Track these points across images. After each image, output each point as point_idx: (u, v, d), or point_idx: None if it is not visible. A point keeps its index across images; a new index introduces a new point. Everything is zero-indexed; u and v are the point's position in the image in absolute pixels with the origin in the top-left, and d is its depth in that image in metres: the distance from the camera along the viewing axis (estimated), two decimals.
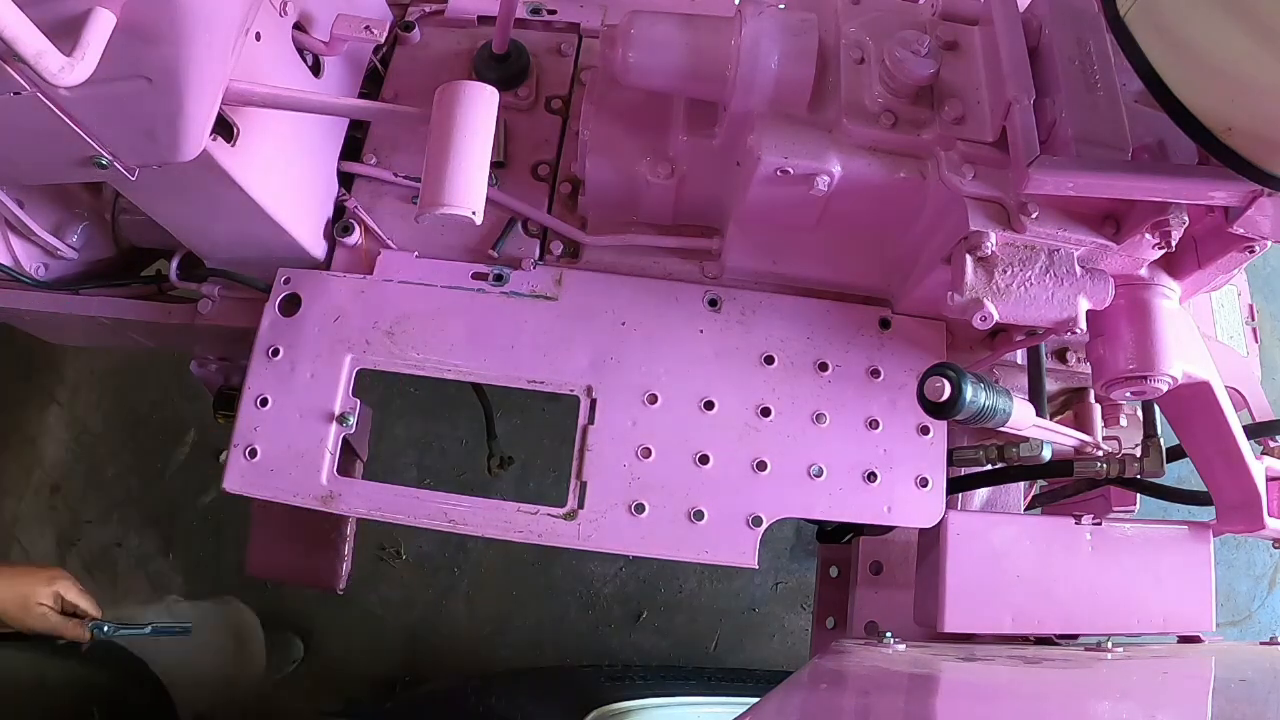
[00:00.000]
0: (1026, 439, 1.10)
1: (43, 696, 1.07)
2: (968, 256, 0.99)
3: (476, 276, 1.19)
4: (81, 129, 0.84)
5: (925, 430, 1.16)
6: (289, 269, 1.19)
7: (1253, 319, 1.42)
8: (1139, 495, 1.45)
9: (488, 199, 0.93)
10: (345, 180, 1.24)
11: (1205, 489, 1.19)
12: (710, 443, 1.13)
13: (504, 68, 1.27)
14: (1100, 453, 1.18)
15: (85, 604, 1.16)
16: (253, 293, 1.22)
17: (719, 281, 1.21)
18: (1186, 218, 0.95)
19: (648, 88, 1.07)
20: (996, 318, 0.97)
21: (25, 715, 1.03)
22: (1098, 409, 1.31)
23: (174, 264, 1.27)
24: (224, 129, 0.96)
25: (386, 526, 2.13)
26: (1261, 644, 1.23)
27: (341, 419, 1.13)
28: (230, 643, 1.53)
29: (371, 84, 1.30)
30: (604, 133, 1.13)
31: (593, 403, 1.14)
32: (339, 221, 1.21)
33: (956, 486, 1.22)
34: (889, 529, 1.32)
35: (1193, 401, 1.11)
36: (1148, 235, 0.97)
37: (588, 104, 1.14)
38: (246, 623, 1.65)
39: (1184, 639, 1.22)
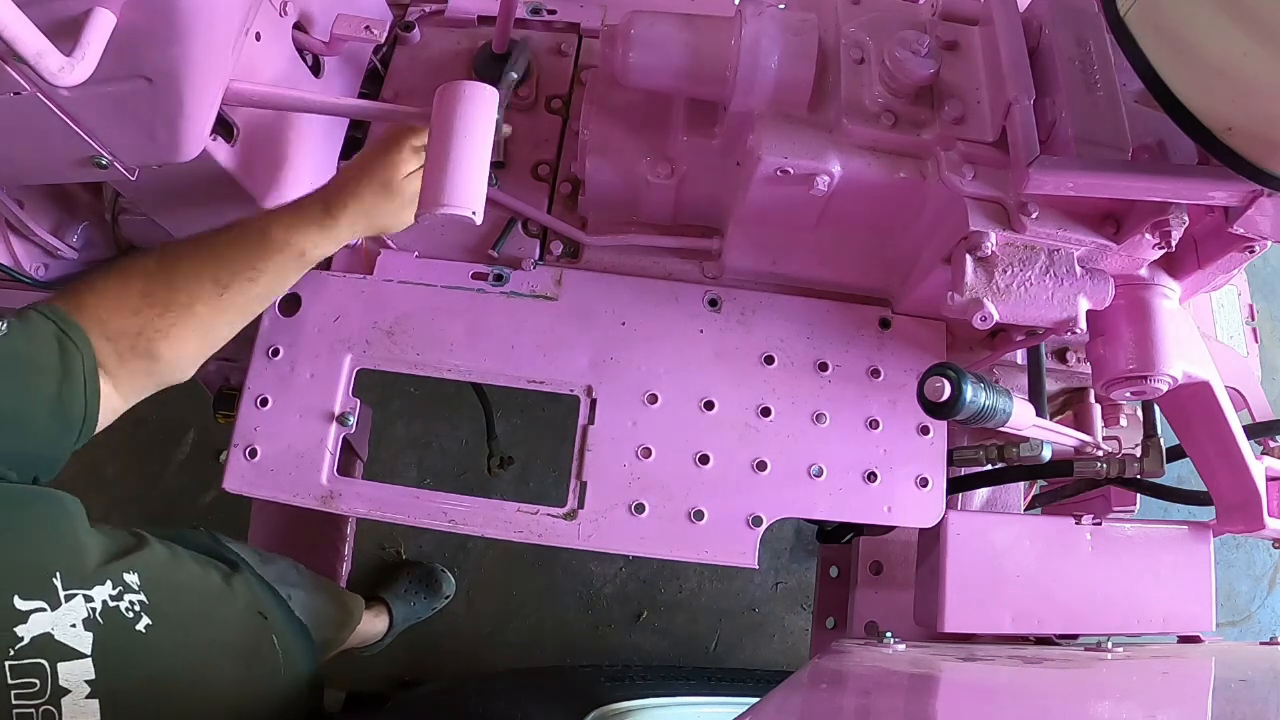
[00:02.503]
0: (1026, 439, 1.09)
1: (228, 600, 1.02)
2: (968, 256, 0.99)
3: (476, 276, 1.19)
4: (81, 129, 0.84)
5: (925, 430, 1.16)
6: None
7: (1253, 319, 1.42)
8: (1139, 495, 1.45)
9: (488, 199, 0.93)
10: None
11: (1205, 489, 1.19)
12: (710, 443, 1.13)
13: (504, 68, 1.27)
14: (1100, 453, 1.18)
15: None
16: None
17: (719, 281, 1.21)
18: (1186, 218, 0.95)
19: (648, 88, 1.07)
20: (996, 318, 0.97)
21: (222, 600, 1.00)
22: (1098, 409, 1.31)
23: None
24: (224, 129, 0.96)
25: (386, 526, 2.14)
26: (1261, 644, 1.23)
27: (341, 419, 1.13)
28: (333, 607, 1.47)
29: (371, 84, 1.30)
30: (604, 133, 1.13)
31: (593, 403, 1.14)
32: None
33: (956, 486, 1.22)
34: (889, 529, 1.33)
35: (1193, 401, 1.11)
36: (1148, 235, 0.97)
37: (588, 104, 1.14)
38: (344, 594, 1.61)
39: (1184, 639, 1.23)
